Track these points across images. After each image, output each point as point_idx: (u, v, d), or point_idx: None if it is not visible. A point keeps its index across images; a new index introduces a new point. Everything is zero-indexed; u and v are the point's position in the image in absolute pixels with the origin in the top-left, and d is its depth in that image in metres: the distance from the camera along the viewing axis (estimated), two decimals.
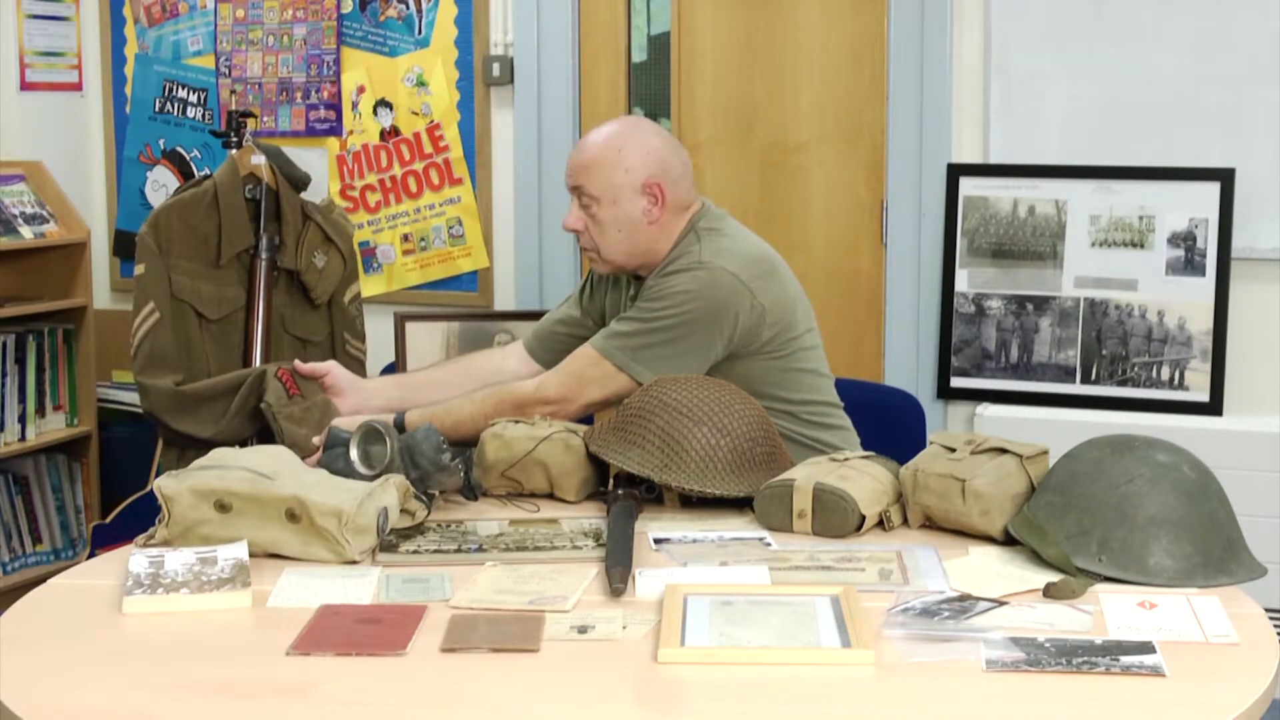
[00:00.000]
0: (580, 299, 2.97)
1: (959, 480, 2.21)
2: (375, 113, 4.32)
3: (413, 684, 1.72)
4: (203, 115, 4.49)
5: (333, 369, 2.95)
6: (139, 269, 3.27)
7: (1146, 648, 1.77)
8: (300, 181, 3.51)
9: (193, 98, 4.50)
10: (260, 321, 3.39)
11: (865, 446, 2.79)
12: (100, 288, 4.56)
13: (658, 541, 2.24)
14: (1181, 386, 3.73)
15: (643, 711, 1.69)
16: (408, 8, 4.26)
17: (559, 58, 4.21)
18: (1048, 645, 1.78)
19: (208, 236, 3.33)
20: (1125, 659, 1.74)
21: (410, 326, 3.94)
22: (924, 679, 1.72)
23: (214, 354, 3.34)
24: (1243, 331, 3.70)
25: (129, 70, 4.58)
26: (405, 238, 4.34)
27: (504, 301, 4.30)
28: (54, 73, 4.53)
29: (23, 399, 4.14)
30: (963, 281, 3.90)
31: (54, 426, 4.26)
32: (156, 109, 4.56)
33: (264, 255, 3.38)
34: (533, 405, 2.68)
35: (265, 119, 4.38)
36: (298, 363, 2.98)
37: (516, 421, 2.55)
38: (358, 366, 3.50)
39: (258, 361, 3.35)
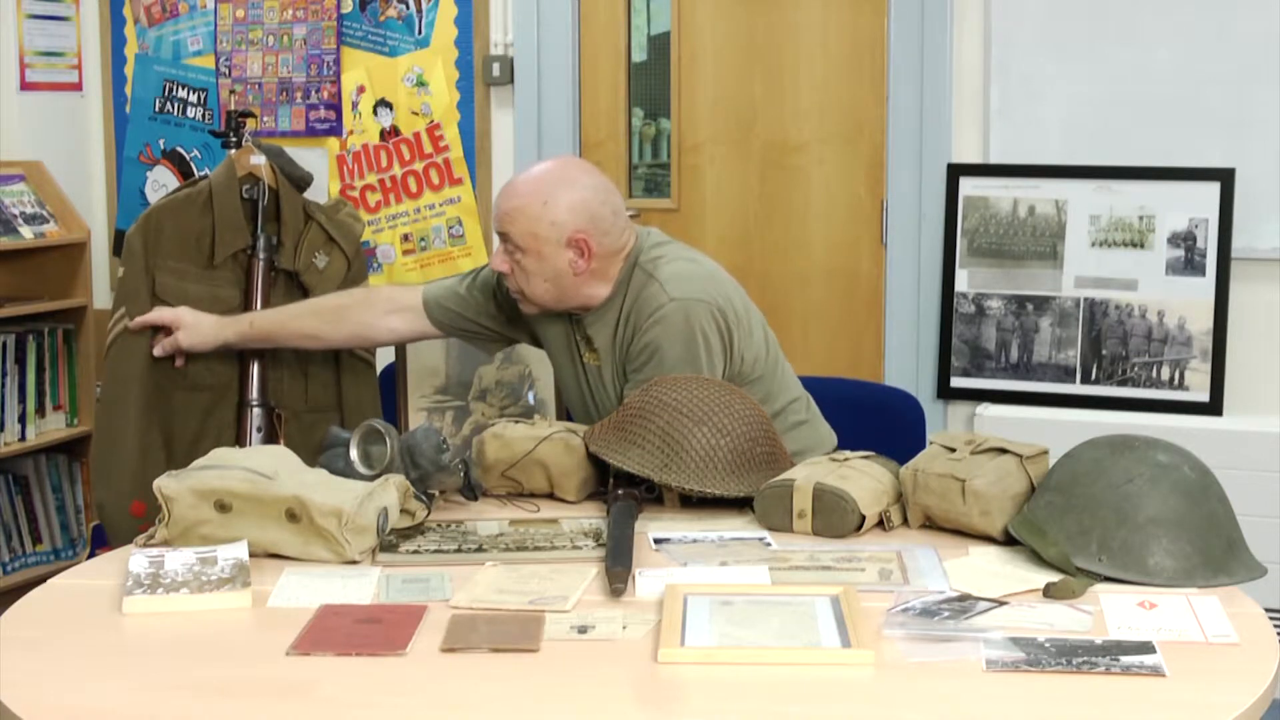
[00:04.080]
0: (495, 293, 2.90)
1: (959, 480, 2.21)
2: (375, 113, 4.32)
3: (413, 684, 1.72)
4: (203, 115, 4.49)
5: (181, 323, 3.09)
6: (120, 271, 3.27)
7: (1146, 648, 1.77)
8: (302, 181, 3.49)
9: (193, 98, 4.50)
10: None
11: (865, 446, 2.78)
12: (100, 288, 4.55)
13: (658, 541, 2.24)
14: (1181, 386, 3.73)
15: (643, 711, 1.69)
16: (408, 8, 4.26)
17: (559, 58, 4.21)
18: (1048, 645, 1.78)
19: (200, 237, 3.32)
20: (1125, 659, 1.74)
21: None
22: (924, 679, 1.72)
23: (203, 355, 3.32)
24: (1243, 331, 3.70)
25: (129, 70, 4.58)
26: (405, 238, 4.34)
27: None
28: (54, 73, 4.53)
29: (23, 399, 4.14)
30: (963, 281, 3.90)
31: (54, 426, 4.26)
32: (156, 109, 4.56)
33: (261, 256, 3.36)
34: None
35: (265, 119, 4.38)
36: (139, 319, 3.13)
37: (516, 421, 2.55)
38: (364, 367, 3.48)
39: (255, 362, 3.32)
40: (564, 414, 3.60)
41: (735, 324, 2.69)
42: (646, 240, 2.76)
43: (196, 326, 3.10)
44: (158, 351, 3.13)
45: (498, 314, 2.93)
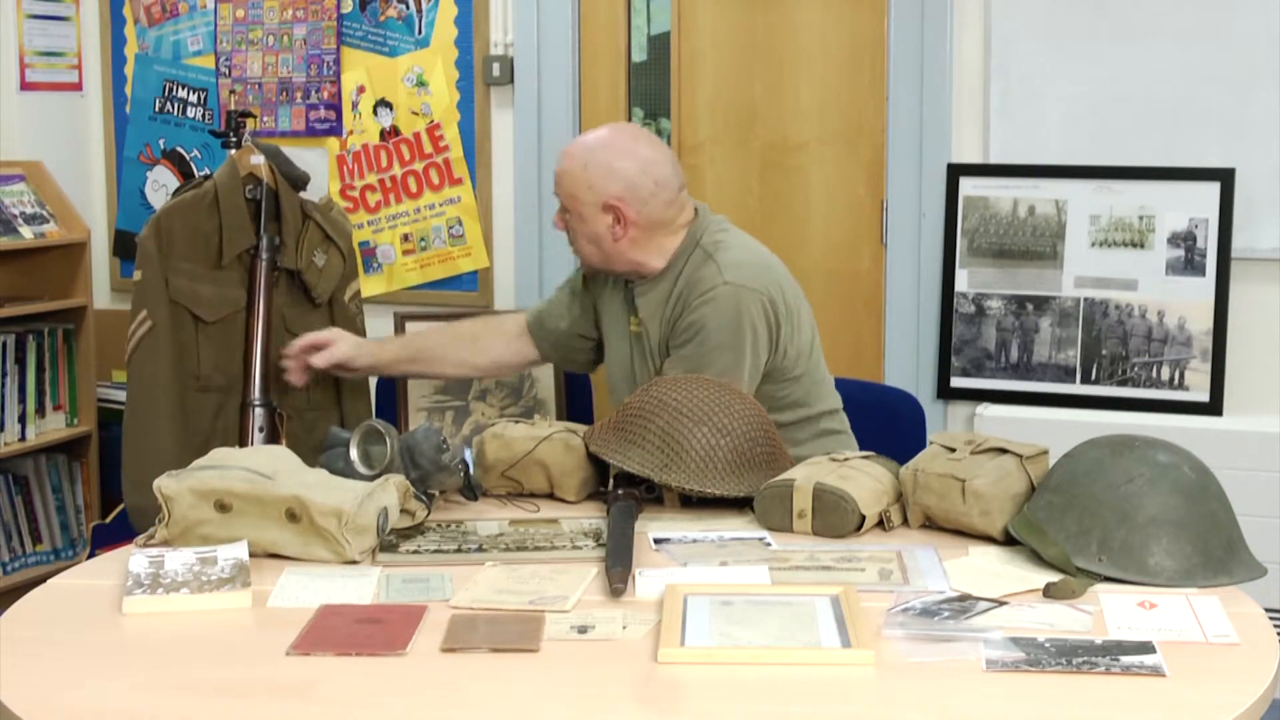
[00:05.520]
0: (577, 291, 2.99)
1: (959, 480, 2.21)
2: (375, 113, 4.32)
3: (413, 684, 1.73)
4: (203, 115, 4.49)
5: (339, 338, 3.10)
6: (136, 275, 3.27)
7: (1146, 648, 1.77)
8: (299, 181, 3.50)
9: (193, 98, 4.50)
10: (261, 322, 3.38)
11: (865, 446, 2.79)
12: (100, 288, 4.56)
13: (658, 541, 2.24)
14: (1181, 386, 3.72)
15: (643, 711, 1.69)
16: (408, 8, 4.26)
17: (559, 58, 4.21)
18: (1048, 645, 1.78)
19: (209, 237, 3.33)
20: (1125, 659, 1.74)
21: (410, 326, 3.94)
22: (924, 679, 1.72)
23: (213, 356, 3.33)
24: (1243, 331, 3.70)
25: (129, 70, 4.58)
26: (405, 238, 4.34)
27: (504, 301, 4.30)
28: (54, 73, 4.53)
29: (23, 399, 4.14)
30: (963, 281, 3.90)
31: (54, 426, 4.26)
32: (156, 109, 4.56)
33: (264, 255, 3.37)
34: None
35: (265, 119, 4.38)
36: (298, 342, 3.14)
37: (516, 421, 2.56)
38: None
39: (258, 362, 3.33)
40: (564, 414, 3.61)
41: (785, 317, 2.74)
42: (712, 222, 2.82)
43: (352, 340, 3.13)
44: (318, 362, 3.10)
45: (581, 316, 2.98)
